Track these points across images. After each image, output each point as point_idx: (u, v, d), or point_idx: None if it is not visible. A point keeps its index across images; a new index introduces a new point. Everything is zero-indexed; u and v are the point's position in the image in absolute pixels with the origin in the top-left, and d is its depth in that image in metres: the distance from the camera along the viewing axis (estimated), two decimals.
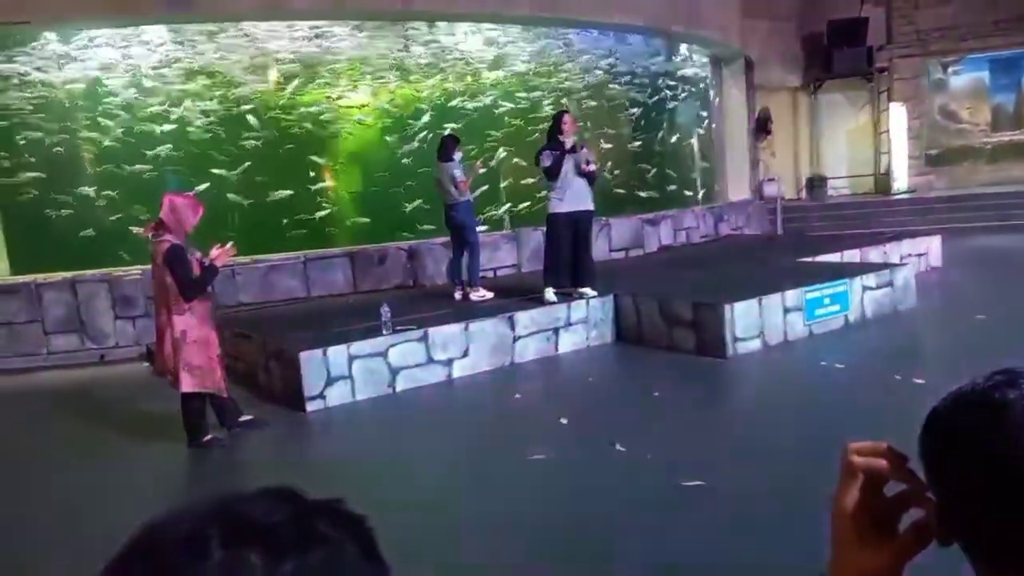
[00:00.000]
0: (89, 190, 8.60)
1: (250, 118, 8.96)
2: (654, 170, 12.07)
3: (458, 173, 7.49)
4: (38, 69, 8.46)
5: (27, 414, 6.30)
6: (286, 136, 9.14)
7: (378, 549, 0.48)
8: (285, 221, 9.11)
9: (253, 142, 8.97)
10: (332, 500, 0.49)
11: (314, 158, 9.33)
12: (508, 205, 10.29)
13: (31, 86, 8.45)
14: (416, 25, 9.68)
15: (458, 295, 7.65)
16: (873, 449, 0.76)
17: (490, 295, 7.46)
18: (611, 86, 11.33)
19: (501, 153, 10.07)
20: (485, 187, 7.92)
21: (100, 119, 8.54)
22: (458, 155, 7.60)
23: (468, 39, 10.06)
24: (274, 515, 0.45)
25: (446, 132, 8.35)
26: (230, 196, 8.87)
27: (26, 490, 4.57)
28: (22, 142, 8.45)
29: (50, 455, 5.22)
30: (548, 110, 10.03)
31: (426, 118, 9.65)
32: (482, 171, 7.76)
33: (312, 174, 9.33)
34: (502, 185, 10.23)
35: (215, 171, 8.84)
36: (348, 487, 0.50)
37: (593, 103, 11.01)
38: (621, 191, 11.29)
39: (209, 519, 0.44)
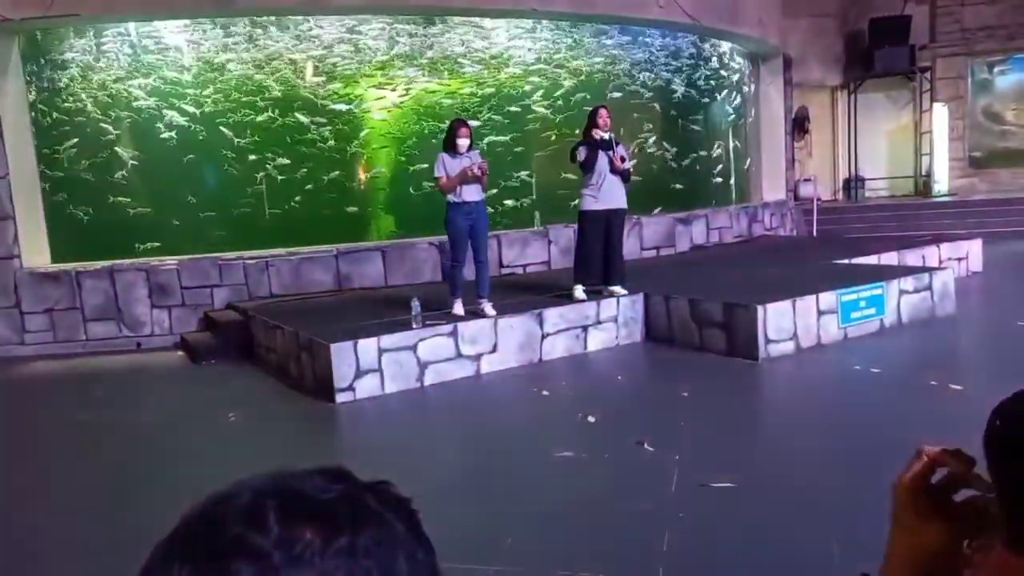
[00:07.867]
0: (129, 178, 8.75)
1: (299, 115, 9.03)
2: (687, 168, 11.95)
3: (438, 168, 6.40)
4: (81, 64, 8.63)
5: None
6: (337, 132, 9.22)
7: (423, 530, 0.50)
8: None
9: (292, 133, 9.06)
10: (380, 481, 0.51)
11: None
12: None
13: (79, 81, 8.62)
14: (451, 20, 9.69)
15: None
16: (944, 450, 0.79)
17: (460, 312, 6.47)
18: (645, 82, 11.24)
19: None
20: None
21: (143, 112, 8.68)
22: (463, 142, 6.33)
23: (501, 34, 10.03)
24: (328, 492, 0.47)
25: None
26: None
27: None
28: (74, 141, 8.61)
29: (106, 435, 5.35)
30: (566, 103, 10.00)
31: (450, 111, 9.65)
32: (473, 174, 6.27)
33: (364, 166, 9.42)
34: (534, 180, 10.20)
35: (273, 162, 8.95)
36: (373, 478, 0.51)
37: (626, 100, 10.92)
38: (653, 189, 11.20)
39: (266, 493, 0.46)
